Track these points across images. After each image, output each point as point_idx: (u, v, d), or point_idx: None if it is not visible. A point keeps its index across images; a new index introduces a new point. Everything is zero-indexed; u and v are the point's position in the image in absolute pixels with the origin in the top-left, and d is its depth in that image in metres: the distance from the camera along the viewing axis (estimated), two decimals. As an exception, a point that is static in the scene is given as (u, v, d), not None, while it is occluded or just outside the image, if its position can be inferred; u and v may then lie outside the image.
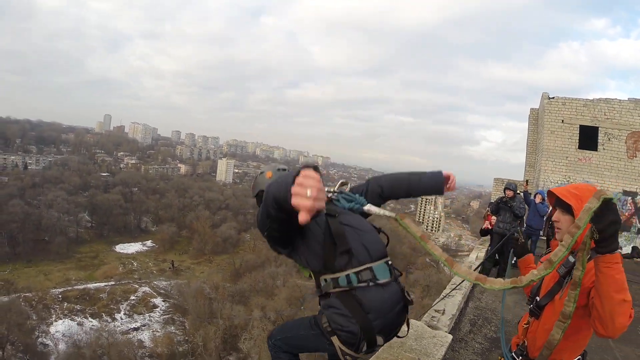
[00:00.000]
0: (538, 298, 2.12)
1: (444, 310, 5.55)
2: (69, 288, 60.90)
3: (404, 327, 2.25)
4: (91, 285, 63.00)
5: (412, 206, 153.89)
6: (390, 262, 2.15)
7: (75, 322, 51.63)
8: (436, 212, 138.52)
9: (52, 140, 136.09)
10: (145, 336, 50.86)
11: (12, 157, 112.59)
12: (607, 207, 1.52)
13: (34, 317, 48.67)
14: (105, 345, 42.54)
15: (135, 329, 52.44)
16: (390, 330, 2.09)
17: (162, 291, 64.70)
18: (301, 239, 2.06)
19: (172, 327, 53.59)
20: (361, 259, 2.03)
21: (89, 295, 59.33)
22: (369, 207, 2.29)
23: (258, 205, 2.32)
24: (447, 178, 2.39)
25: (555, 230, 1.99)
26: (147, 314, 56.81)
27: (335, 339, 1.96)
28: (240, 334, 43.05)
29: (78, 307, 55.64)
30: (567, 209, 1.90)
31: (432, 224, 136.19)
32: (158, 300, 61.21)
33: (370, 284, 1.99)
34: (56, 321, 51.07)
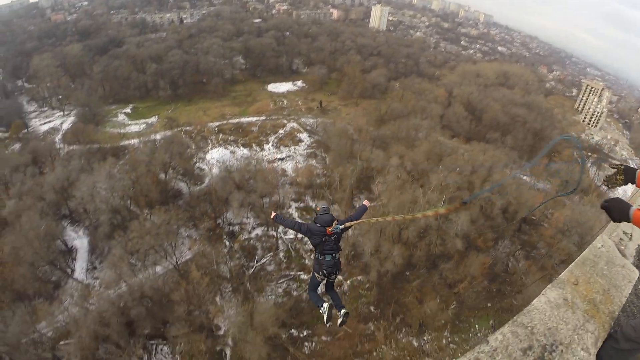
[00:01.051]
0: None
1: (631, 236, 4.83)
2: (224, 122, 65.51)
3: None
4: (244, 120, 66.90)
5: (574, 90, 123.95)
6: (335, 255, 5.52)
7: (229, 151, 55.85)
8: (599, 106, 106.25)
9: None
10: (288, 166, 53.07)
11: (168, 15, 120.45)
12: None
13: (193, 147, 53.30)
14: (253, 171, 45.18)
15: (281, 159, 55.00)
16: (330, 273, 5.55)
17: (308, 128, 65.67)
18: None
19: (314, 161, 54.98)
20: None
21: (242, 128, 63.23)
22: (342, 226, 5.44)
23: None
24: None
25: None
26: (292, 147, 58.65)
27: (314, 272, 5.70)
28: (375, 177, 43.72)
29: (231, 138, 59.90)
30: None
31: (591, 118, 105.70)
32: (304, 136, 62.47)
33: (321, 257, 5.50)
34: (212, 149, 55.79)
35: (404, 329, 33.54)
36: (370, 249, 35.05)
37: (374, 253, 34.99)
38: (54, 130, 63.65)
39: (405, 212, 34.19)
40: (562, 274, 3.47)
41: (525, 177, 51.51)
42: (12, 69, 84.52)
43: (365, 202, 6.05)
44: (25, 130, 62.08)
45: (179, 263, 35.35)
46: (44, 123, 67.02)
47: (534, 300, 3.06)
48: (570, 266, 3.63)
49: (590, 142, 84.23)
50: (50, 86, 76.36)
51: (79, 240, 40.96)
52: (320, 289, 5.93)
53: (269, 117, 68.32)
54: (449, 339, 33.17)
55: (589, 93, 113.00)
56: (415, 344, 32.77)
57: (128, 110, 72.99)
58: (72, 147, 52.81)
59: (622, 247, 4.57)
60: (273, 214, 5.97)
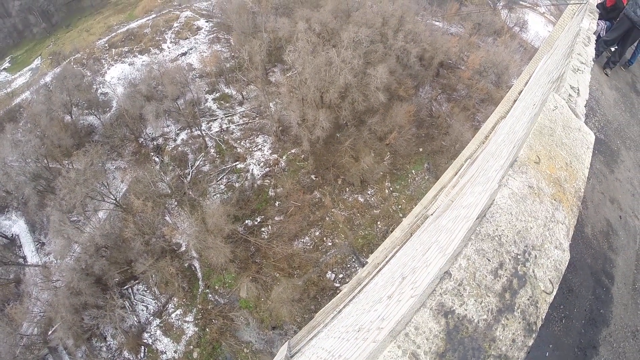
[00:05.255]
0: None
1: (579, 90, 4.35)
2: (113, 34, 58.28)
3: None
4: (133, 25, 59.70)
5: None
6: None
7: (127, 64, 50.92)
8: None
9: None
10: (193, 59, 50.05)
11: None
12: None
13: (88, 74, 48.25)
14: (158, 76, 42.63)
15: (183, 54, 51.44)
16: None
17: (204, 12, 60.15)
18: None
19: (218, 46, 51.67)
20: None
21: (134, 35, 56.79)
22: None
23: None
24: None
25: None
26: (192, 38, 54.14)
27: None
28: (285, 46, 41.60)
29: (126, 49, 54.02)
30: None
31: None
32: (201, 22, 57.31)
33: None
34: (109, 69, 50.67)
35: (347, 189, 35.72)
36: (297, 119, 35.26)
37: (301, 123, 35.27)
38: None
39: (323, 76, 34.50)
40: (520, 151, 3.01)
41: (437, 23, 51.51)
42: None
43: None
44: None
45: (118, 199, 34.73)
46: None
47: (496, 197, 2.55)
48: (527, 138, 3.16)
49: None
50: None
51: (16, 225, 38.94)
52: None
53: (158, 13, 61.18)
54: (391, 188, 35.83)
55: None
56: (362, 199, 35.24)
57: (6, 64, 63.50)
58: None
59: (573, 105, 4.14)
60: None
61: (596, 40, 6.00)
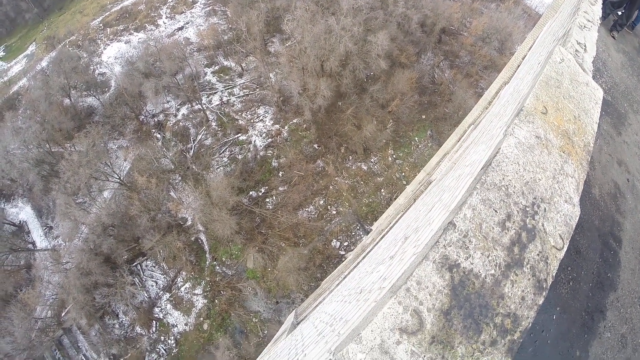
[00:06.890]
0: None
1: (586, 47, 4.06)
2: (107, 14, 57.53)
3: None
4: (127, 2, 58.63)
5: None
6: None
7: (123, 42, 50.48)
8: None
9: None
10: (190, 33, 49.48)
11: None
12: None
13: (84, 55, 47.59)
14: (155, 52, 42.08)
15: (180, 29, 50.73)
16: None
17: None
18: None
19: (215, 18, 50.78)
20: None
21: (128, 12, 56.04)
22: None
23: None
24: None
25: None
26: (188, 12, 53.21)
27: None
28: (283, 16, 40.66)
29: (121, 27, 53.40)
30: None
31: None
32: None
33: None
34: (105, 49, 50.18)
35: (350, 157, 35.59)
36: (297, 89, 34.98)
37: (302, 93, 35.02)
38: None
39: (322, 44, 33.81)
40: (527, 100, 2.84)
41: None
42: None
43: None
44: None
45: (122, 178, 34.91)
46: None
47: (502, 146, 2.44)
48: (534, 89, 3.01)
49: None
50: None
51: (23, 211, 39.25)
52: None
53: (153, -12, 59.93)
54: (394, 156, 35.61)
55: None
56: (365, 167, 35.12)
57: (1, 53, 62.17)
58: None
59: (580, 61, 3.96)
60: None
61: (603, 3, 5.88)
